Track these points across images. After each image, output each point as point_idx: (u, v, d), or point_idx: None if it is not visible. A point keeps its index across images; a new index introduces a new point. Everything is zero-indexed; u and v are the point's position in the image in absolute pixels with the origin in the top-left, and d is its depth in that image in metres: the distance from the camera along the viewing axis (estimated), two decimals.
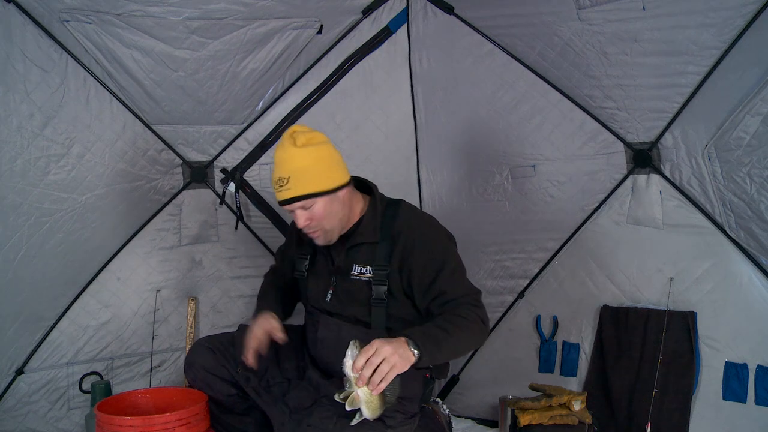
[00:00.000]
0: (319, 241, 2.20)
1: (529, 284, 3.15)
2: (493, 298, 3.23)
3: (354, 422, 1.86)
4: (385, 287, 2.13)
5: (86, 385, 2.96)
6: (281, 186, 2.10)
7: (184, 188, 3.15)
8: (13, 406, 2.86)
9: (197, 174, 3.15)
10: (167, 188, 3.10)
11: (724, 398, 2.60)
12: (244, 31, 2.81)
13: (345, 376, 1.78)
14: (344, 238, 2.22)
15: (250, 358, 2.18)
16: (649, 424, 2.64)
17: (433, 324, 1.95)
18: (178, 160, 3.11)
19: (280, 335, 2.23)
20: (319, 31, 3.03)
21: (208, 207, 3.22)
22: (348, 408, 1.79)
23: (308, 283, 2.34)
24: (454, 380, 3.36)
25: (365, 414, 1.80)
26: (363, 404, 1.78)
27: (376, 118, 3.31)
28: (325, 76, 3.21)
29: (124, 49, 2.68)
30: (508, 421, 2.77)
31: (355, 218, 2.22)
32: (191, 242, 3.20)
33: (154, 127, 2.97)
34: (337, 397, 1.81)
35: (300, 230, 2.28)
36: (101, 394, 2.81)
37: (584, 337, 2.99)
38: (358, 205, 2.24)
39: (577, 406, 2.68)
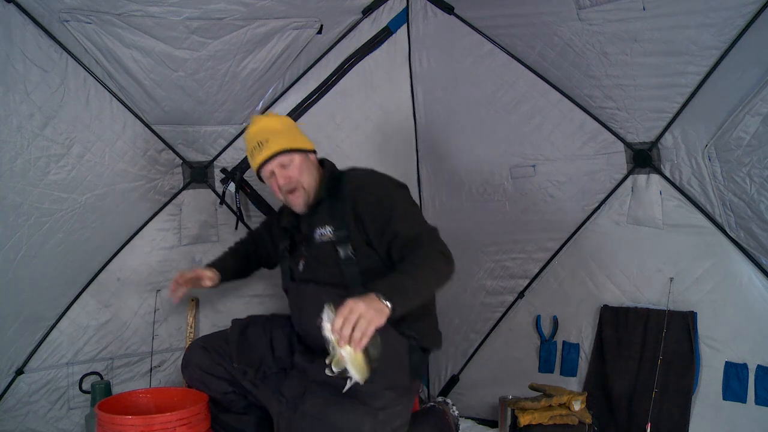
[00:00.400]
0: (298, 202, 2.30)
1: (529, 284, 3.15)
2: (493, 298, 3.24)
3: (347, 388, 1.88)
4: (349, 246, 2.18)
5: (86, 385, 2.95)
6: (261, 148, 2.27)
7: (184, 188, 3.15)
8: (13, 406, 2.86)
9: (197, 174, 3.15)
10: (167, 188, 3.10)
11: (724, 398, 2.60)
12: (244, 31, 2.81)
13: (326, 340, 1.81)
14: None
15: (170, 289, 2.50)
16: (649, 424, 2.64)
17: (397, 272, 1.99)
18: (178, 160, 3.10)
19: (207, 282, 2.51)
20: (319, 31, 3.03)
21: (208, 207, 3.22)
22: (335, 369, 1.81)
23: (287, 262, 2.42)
24: (454, 380, 3.37)
25: (354, 375, 1.81)
26: (349, 364, 1.80)
27: (376, 118, 3.31)
28: (325, 76, 3.21)
29: (124, 49, 2.68)
30: (508, 421, 2.77)
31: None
32: (191, 242, 3.20)
33: (154, 127, 2.97)
34: (329, 370, 1.83)
35: (281, 219, 2.46)
36: (101, 394, 2.81)
37: (584, 337, 2.99)
38: (319, 174, 2.36)
39: (577, 406, 2.68)
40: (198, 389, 2.38)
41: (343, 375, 1.83)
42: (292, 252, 2.41)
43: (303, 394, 2.11)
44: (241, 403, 2.40)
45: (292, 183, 2.27)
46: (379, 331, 1.79)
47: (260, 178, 2.39)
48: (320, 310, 1.83)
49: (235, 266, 2.70)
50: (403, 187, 2.33)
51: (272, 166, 2.27)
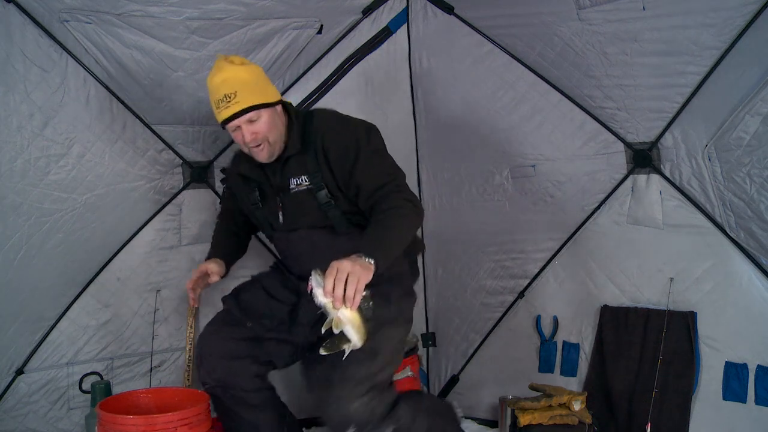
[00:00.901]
0: (263, 156, 2.27)
1: (529, 284, 3.15)
2: (493, 298, 3.24)
3: (346, 355, 1.92)
4: (326, 190, 2.23)
5: (86, 385, 2.95)
6: (228, 102, 2.18)
7: (184, 188, 3.14)
8: (13, 406, 2.85)
9: (197, 174, 3.15)
10: (167, 188, 3.10)
11: (724, 398, 2.60)
12: (244, 31, 2.81)
13: (321, 306, 1.84)
14: (277, 158, 2.31)
15: (191, 298, 2.48)
16: (649, 424, 2.64)
17: (371, 228, 2.06)
18: (178, 160, 3.10)
19: (214, 278, 2.46)
20: (319, 31, 3.03)
21: (208, 207, 3.21)
22: (335, 330, 1.84)
23: (263, 212, 2.41)
24: (454, 380, 3.37)
25: (352, 337, 1.85)
26: (347, 325, 1.83)
27: (376, 118, 3.29)
28: (325, 76, 3.21)
29: (124, 49, 2.68)
30: (508, 421, 2.78)
31: (285, 136, 2.31)
32: (191, 242, 3.19)
33: (154, 127, 2.96)
34: (323, 349, 1.89)
35: (240, 166, 2.43)
36: (101, 394, 2.80)
37: (584, 337, 2.99)
38: (284, 124, 2.33)
39: (577, 406, 2.68)
40: (222, 382, 2.35)
41: (339, 347, 1.87)
42: (263, 202, 2.41)
43: (319, 319, 2.16)
44: (258, 397, 2.40)
45: (258, 139, 2.23)
46: (368, 286, 1.84)
47: (223, 128, 2.32)
48: (317, 254, 1.85)
49: (232, 245, 2.67)
50: (373, 130, 2.32)
51: (239, 121, 2.21)
